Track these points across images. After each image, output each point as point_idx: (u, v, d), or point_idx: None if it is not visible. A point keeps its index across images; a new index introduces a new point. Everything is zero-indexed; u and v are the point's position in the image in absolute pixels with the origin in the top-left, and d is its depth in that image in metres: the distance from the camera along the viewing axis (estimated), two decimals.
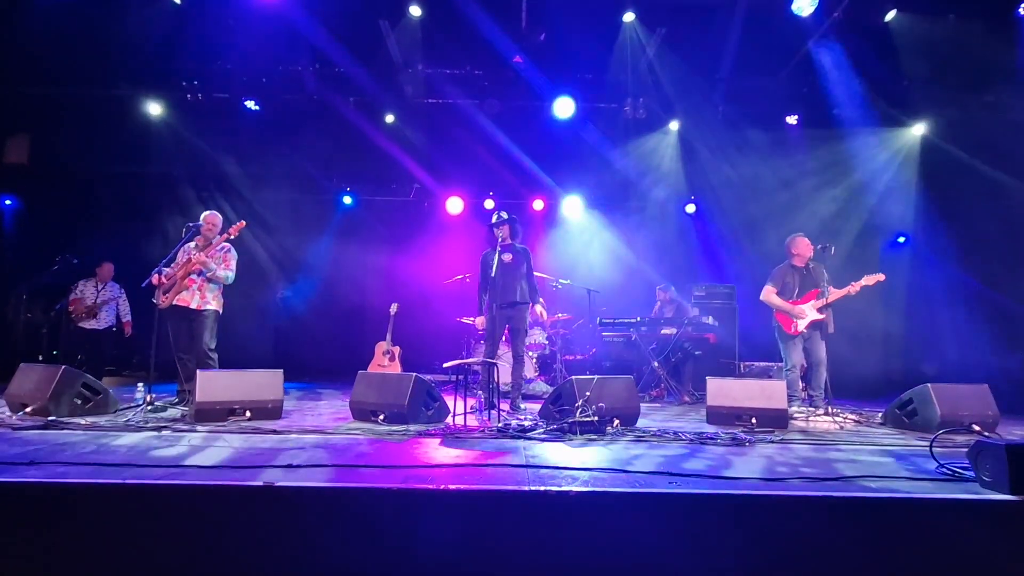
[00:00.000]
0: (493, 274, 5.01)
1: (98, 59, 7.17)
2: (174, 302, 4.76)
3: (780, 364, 6.34)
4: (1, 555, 2.12)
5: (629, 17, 6.79)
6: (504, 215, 5.25)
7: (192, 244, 4.94)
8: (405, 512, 2.24)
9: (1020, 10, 6.06)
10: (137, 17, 6.60)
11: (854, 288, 5.15)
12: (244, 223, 4.92)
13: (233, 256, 5.01)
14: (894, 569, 2.18)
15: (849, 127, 8.04)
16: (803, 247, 5.29)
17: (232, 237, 4.89)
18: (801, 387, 5.48)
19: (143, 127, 8.05)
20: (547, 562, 2.17)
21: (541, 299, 5.34)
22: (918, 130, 8.01)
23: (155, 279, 4.65)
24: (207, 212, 5.03)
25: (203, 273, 4.82)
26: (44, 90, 7.63)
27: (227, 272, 4.93)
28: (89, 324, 6.82)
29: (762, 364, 6.64)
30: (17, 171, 8.37)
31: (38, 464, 2.56)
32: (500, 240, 5.18)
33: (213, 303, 4.90)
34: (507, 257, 5.14)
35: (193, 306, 4.80)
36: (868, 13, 6.64)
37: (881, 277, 5.14)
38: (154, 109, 7.79)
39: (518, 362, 5.29)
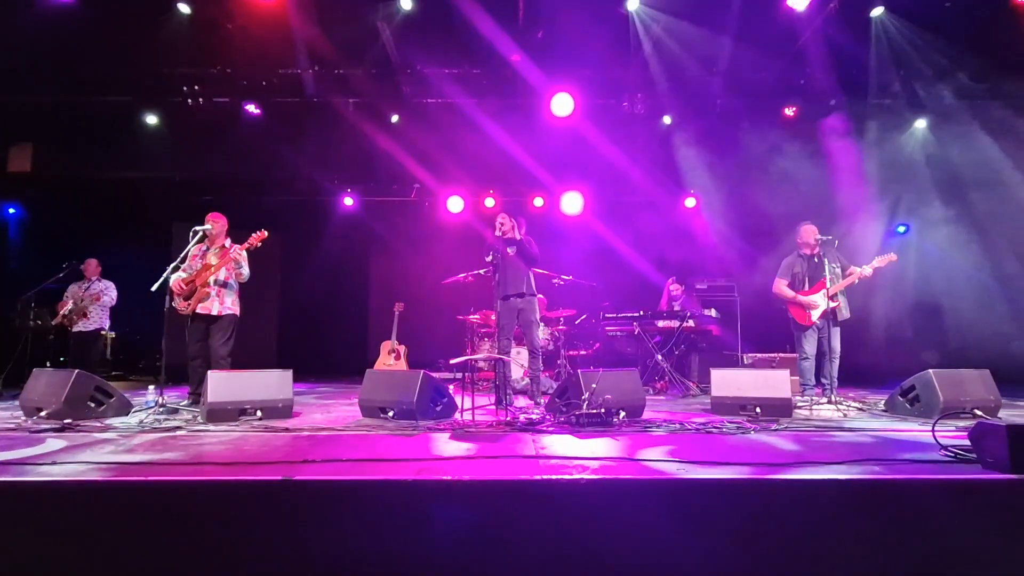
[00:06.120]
0: (500, 267, 5.13)
1: (99, 67, 7.22)
2: (197, 310, 4.84)
3: (782, 355, 6.40)
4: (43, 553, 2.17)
5: (633, 4, 6.80)
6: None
7: (202, 245, 5.00)
8: (419, 503, 2.29)
9: None
10: (137, 25, 6.66)
11: (866, 271, 5.18)
12: (266, 233, 4.94)
13: (245, 256, 5.08)
14: (899, 550, 2.23)
15: (847, 117, 8.07)
16: (808, 235, 5.32)
17: (254, 247, 4.95)
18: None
19: (144, 133, 8.11)
20: (558, 549, 2.22)
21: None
22: (918, 121, 8.02)
23: (176, 287, 4.77)
24: (212, 213, 5.08)
25: (219, 279, 4.90)
26: (46, 99, 7.68)
27: (247, 270, 5.01)
28: (79, 326, 6.84)
29: (765, 355, 6.68)
30: (21, 179, 8.42)
31: (60, 463, 2.62)
32: (506, 234, 5.26)
33: (232, 307, 5.00)
34: (511, 250, 5.24)
35: (214, 312, 4.90)
36: (864, 5, 6.69)
37: (893, 257, 5.16)
38: (155, 115, 7.84)
39: (534, 356, 5.35)
